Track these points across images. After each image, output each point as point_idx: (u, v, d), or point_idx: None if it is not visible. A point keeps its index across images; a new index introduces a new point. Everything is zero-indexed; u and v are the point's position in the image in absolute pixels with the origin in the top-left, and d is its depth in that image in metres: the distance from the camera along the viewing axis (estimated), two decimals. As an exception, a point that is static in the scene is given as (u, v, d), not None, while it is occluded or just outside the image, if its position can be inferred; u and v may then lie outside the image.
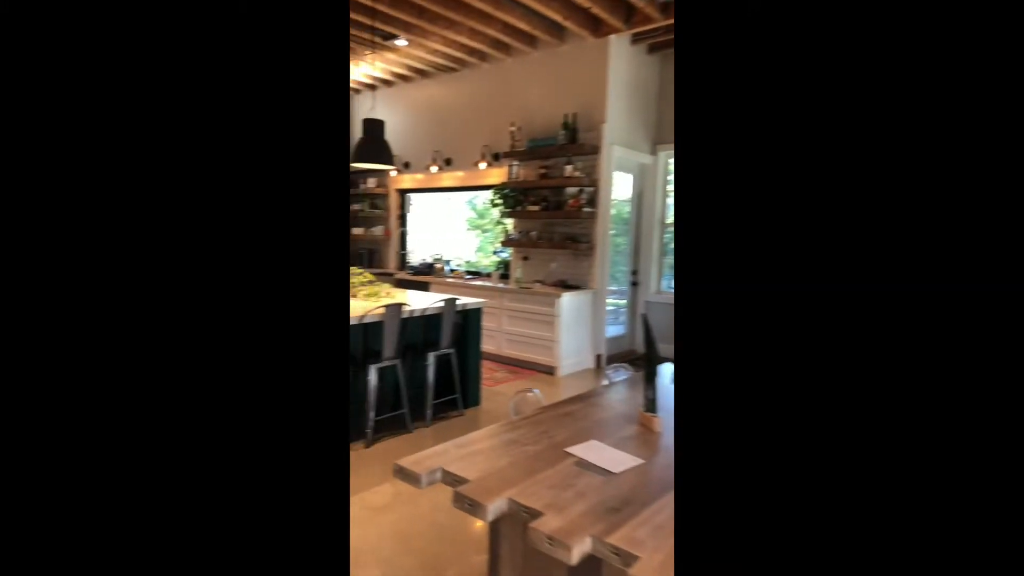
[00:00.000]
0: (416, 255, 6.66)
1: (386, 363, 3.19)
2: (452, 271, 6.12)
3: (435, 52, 5.30)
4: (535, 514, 1.13)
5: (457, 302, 3.56)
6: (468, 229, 6.52)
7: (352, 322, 3.01)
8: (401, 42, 4.93)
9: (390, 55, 5.42)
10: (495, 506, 1.18)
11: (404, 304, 3.24)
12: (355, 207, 6.93)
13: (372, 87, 6.57)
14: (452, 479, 1.31)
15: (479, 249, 6.45)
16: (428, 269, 6.16)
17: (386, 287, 3.86)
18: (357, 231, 6.90)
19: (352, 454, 3.02)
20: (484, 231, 6.45)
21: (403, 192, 6.65)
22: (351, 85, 6.55)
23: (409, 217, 6.74)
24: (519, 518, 1.19)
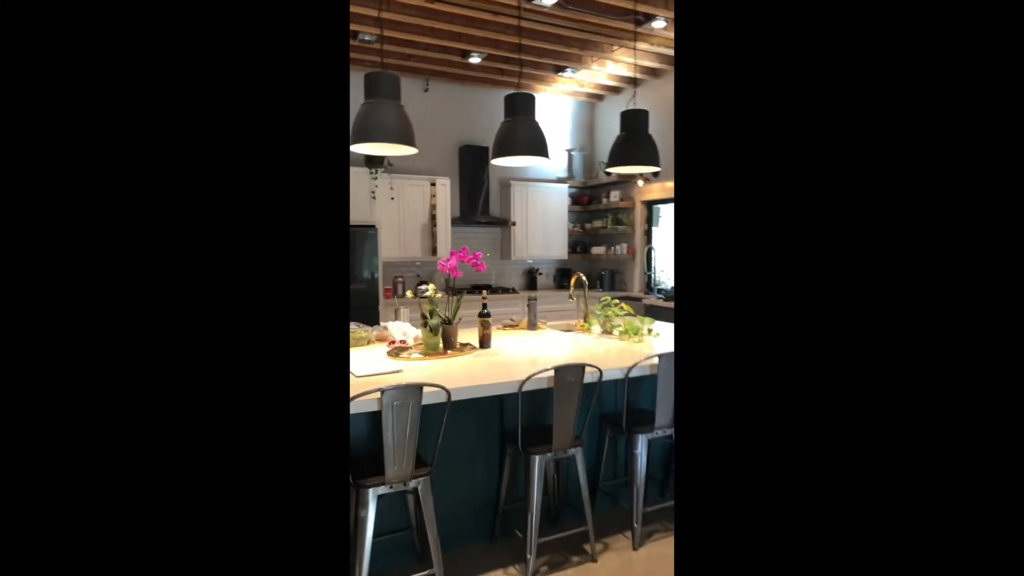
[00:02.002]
0: (664, 275, 5.72)
1: (659, 433, 2.33)
2: (713, 296, 5.00)
3: (698, 31, 4.35)
4: None
5: (754, 348, 2.52)
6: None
7: (616, 376, 2.23)
8: (659, 23, 4.11)
9: (642, 45, 4.65)
10: None
11: (683, 351, 2.34)
12: (596, 224, 6.30)
13: (616, 90, 5.89)
14: None
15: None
16: (682, 293, 5.16)
17: (648, 322, 3.02)
18: (598, 250, 6.25)
19: (614, 556, 2.22)
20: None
21: (650, 204, 5.79)
22: (593, 91, 5.97)
23: (655, 232, 5.84)
24: None
